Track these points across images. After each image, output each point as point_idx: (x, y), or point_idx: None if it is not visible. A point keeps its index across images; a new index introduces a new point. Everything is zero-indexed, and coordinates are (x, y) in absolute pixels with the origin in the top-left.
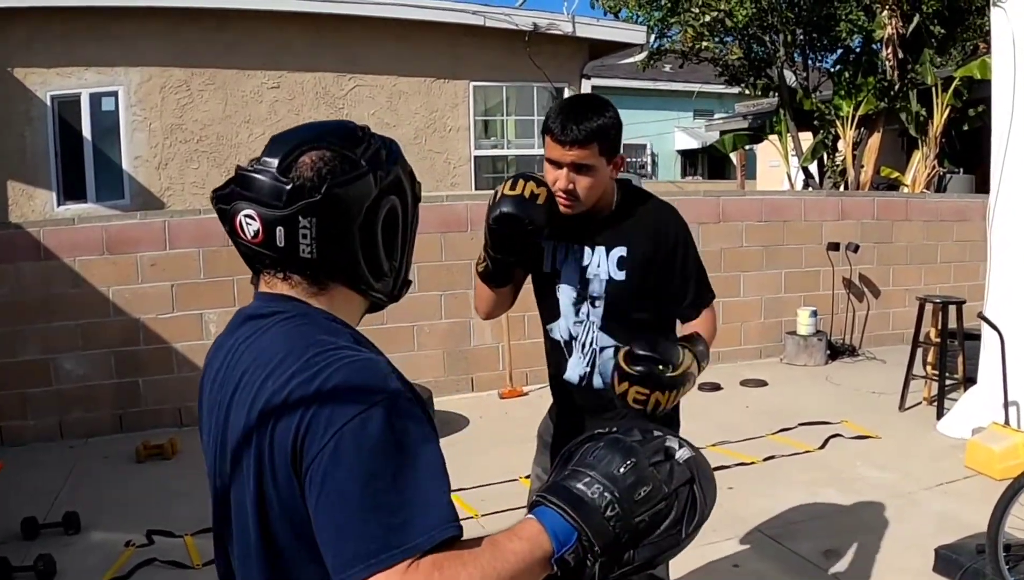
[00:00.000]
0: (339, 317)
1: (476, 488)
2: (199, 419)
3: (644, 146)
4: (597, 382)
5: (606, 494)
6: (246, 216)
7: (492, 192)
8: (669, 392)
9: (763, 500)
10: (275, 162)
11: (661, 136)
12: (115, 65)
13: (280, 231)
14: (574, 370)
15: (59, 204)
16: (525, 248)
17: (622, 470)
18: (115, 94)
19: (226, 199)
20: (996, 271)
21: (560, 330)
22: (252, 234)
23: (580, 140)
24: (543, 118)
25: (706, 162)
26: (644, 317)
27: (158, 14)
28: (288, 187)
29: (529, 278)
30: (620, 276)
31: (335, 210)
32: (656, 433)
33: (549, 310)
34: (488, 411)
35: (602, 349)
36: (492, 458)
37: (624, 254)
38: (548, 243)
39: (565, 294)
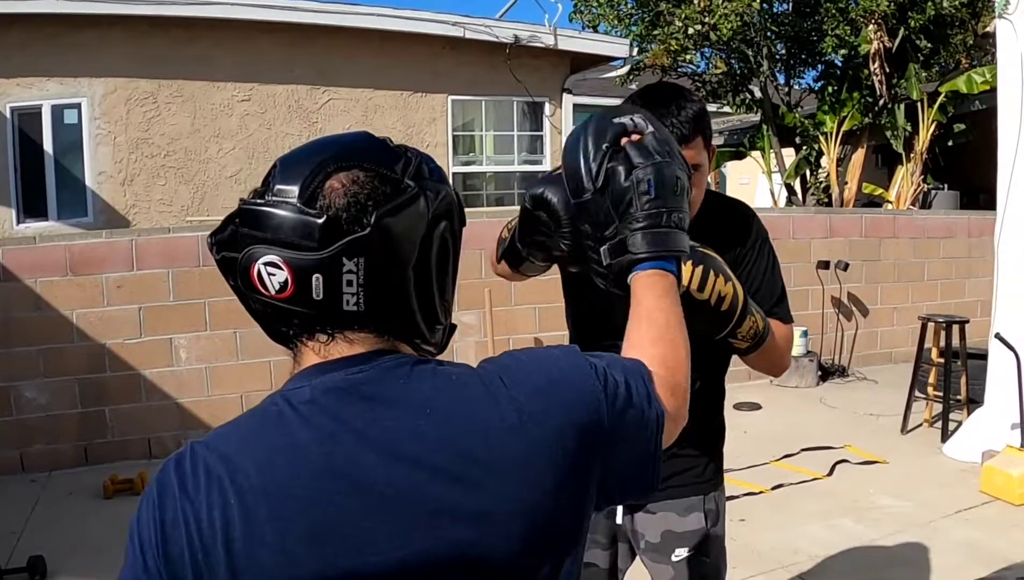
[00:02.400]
0: None
1: None
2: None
3: None
4: None
5: (674, 214)
6: (268, 265)
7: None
8: (695, 267)
9: (779, 533)
10: (294, 190)
11: None
12: (78, 76)
13: (317, 279)
14: None
15: (19, 222)
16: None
17: (677, 188)
18: (78, 106)
19: (230, 244)
20: (1004, 289)
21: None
22: (277, 287)
23: (687, 135)
24: (521, 133)
25: None
26: (717, 347)
27: (123, 23)
28: (320, 221)
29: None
30: None
31: (387, 247)
32: (624, 122)
33: (596, 326)
34: None
35: None
36: None
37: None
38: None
39: (619, 310)
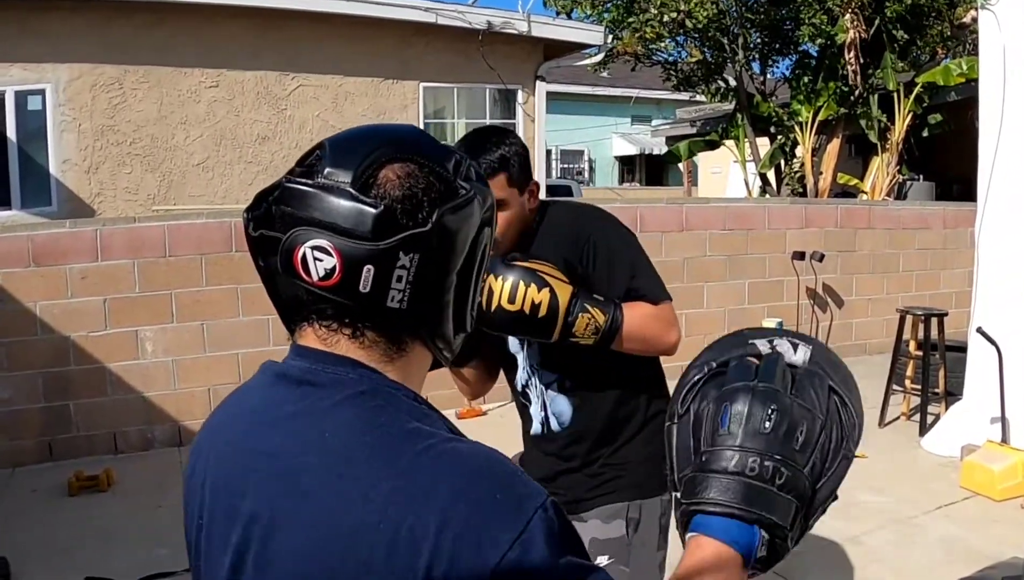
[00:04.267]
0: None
1: None
2: (193, 504)
3: (582, 152)
4: (554, 425)
5: (766, 463)
6: (316, 249)
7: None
8: (503, 282)
9: None
10: (347, 176)
11: (599, 142)
12: (42, 61)
13: (368, 271)
14: (535, 418)
15: None
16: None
17: (768, 423)
18: (42, 92)
19: (268, 222)
20: (984, 282)
21: (518, 380)
22: (323, 274)
23: (486, 173)
24: (494, 121)
25: (644, 168)
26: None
27: (88, 7)
28: (376, 210)
29: None
30: None
31: (443, 246)
32: (758, 344)
33: (508, 363)
34: None
35: (547, 386)
36: None
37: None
38: None
39: (513, 341)
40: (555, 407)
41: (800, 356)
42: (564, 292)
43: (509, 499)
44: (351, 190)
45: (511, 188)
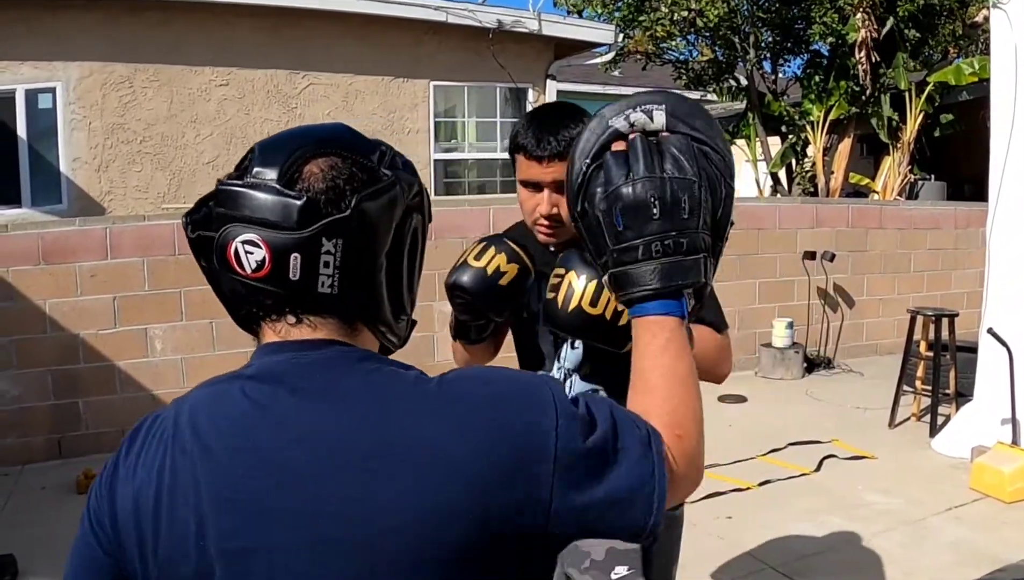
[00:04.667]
0: None
1: None
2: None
3: None
4: None
5: (667, 241)
6: (246, 242)
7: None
8: (588, 282)
9: (767, 531)
10: (273, 173)
11: None
12: (53, 60)
13: (295, 259)
14: None
15: None
16: (491, 315)
17: (655, 210)
18: (52, 91)
19: (205, 224)
20: (995, 283)
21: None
22: (254, 266)
23: (561, 153)
24: (504, 120)
25: None
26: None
27: (99, 6)
28: (299, 202)
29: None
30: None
31: (365, 231)
32: (617, 124)
33: (531, 358)
34: None
35: (588, 392)
36: None
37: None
38: (532, 284)
39: (546, 338)
40: None
41: (658, 121)
42: None
43: (530, 385)
44: (277, 186)
45: None
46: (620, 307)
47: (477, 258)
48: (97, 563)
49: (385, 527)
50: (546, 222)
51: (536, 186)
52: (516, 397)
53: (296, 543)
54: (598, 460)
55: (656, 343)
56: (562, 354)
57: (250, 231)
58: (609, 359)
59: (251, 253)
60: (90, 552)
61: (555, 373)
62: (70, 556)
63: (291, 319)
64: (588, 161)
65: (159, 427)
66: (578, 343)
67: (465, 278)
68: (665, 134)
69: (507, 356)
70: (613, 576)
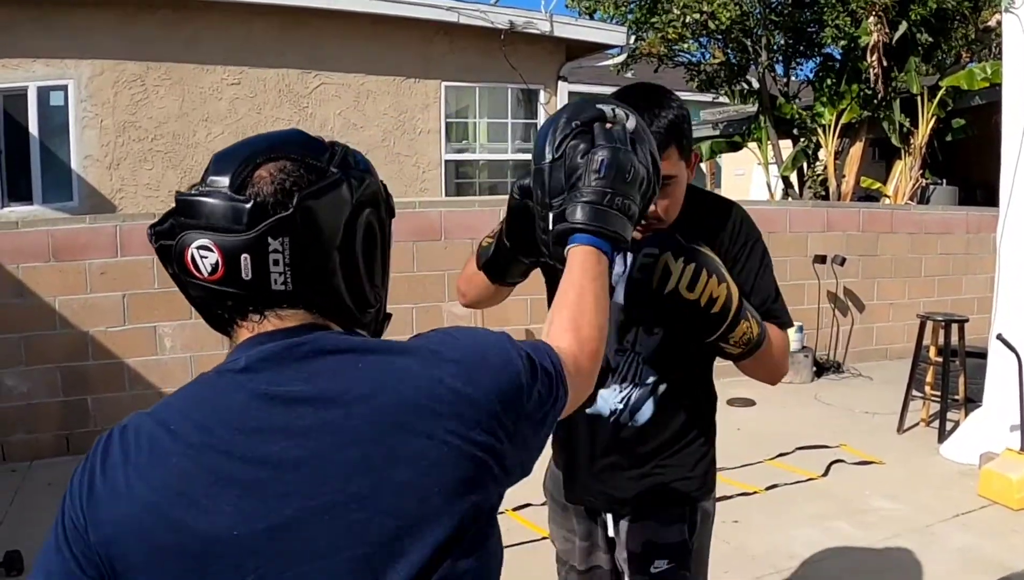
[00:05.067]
0: None
1: None
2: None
3: None
4: (625, 419)
5: (616, 198)
6: (200, 248)
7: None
8: (685, 266)
9: (773, 535)
10: (225, 181)
11: None
12: (65, 57)
13: (245, 260)
14: (606, 402)
15: (2, 206)
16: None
17: (629, 175)
18: (65, 88)
19: (168, 234)
20: (1005, 288)
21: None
22: (209, 269)
23: (659, 147)
24: (515, 121)
25: None
26: (706, 349)
27: (111, 4)
28: (248, 205)
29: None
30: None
31: (310, 227)
32: (605, 110)
33: None
34: None
35: (641, 385)
36: None
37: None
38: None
39: (612, 316)
40: (635, 404)
41: (631, 124)
42: (735, 292)
43: (495, 337)
44: (227, 192)
45: (680, 161)
46: (715, 294)
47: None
48: None
49: (400, 481)
50: (644, 220)
51: None
52: (497, 354)
53: (321, 509)
54: (539, 390)
55: (590, 267)
56: (631, 337)
57: (203, 236)
58: (683, 350)
59: (205, 257)
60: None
61: (614, 354)
62: (36, 571)
63: (255, 317)
64: (578, 124)
65: (143, 438)
66: (658, 329)
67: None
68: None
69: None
70: (653, 570)
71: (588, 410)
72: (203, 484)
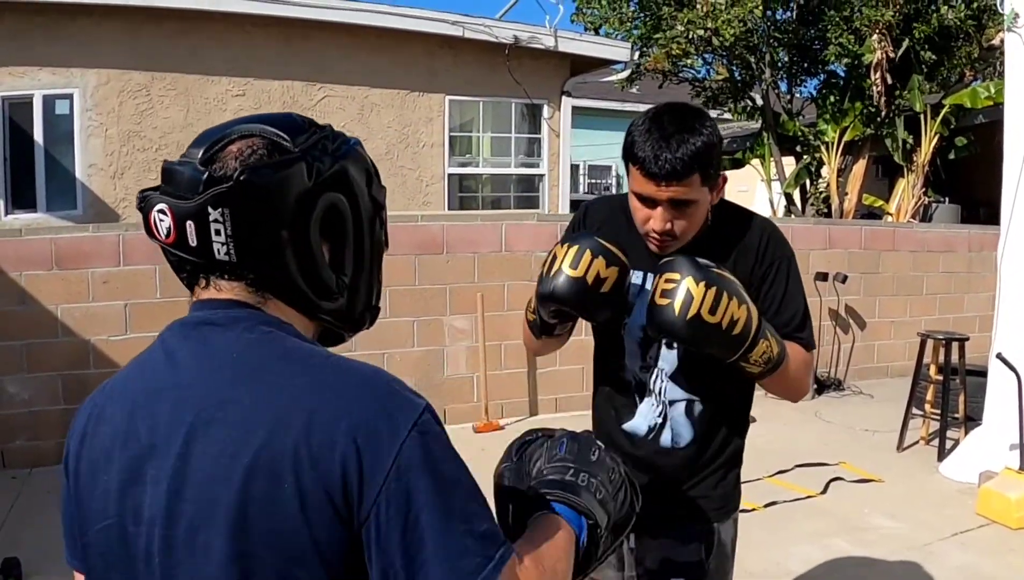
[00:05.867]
0: None
1: None
2: (74, 456)
3: (609, 168)
4: (666, 439)
5: (592, 481)
6: (159, 211)
7: (548, 254)
8: (707, 290)
9: (771, 552)
10: (198, 152)
11: None
12: (71, 66)
13: (190, 226)
14: (643, 420)
15: (7, 213)
16: (591, 320)
17: (594, 458)
18: (70, 97)
19: (149, 198)
20: (1006, 307)
21: (629, 372)
22: (165, 233)
23: (679, 173)
24: (519, 135)
25: None
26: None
27: (118, 13)
28: (204, 176)
29: None
30: None
31: (252, 201)
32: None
33: (611, 348)
34: (463, 447)
35: (671, 403)
36: None
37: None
38: (636, 273)
39: (632, 333)
40: (676, 425)
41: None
42: (755, 313)
43: (405, 392)
44: (194, 163)
45: (702, 187)
46: (736, 316)
47: (573, 266)
48: None
49: (214, 475)
50: (657, 236)
51: (650, 201)
52: (386, 392)
53: (162, 475)
54: (429, 510)
55: (563, 536)
56: (654, 353)
57: (162, 201)
58: (705, 365)
59: (162, 221)
60: None
61: (639, 370)
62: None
63: (202, 282)
64: (540, 434)
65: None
66: (677, 345)
67: (563, 290)
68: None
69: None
70: None
71: (625, 426)
72: (91, 439)
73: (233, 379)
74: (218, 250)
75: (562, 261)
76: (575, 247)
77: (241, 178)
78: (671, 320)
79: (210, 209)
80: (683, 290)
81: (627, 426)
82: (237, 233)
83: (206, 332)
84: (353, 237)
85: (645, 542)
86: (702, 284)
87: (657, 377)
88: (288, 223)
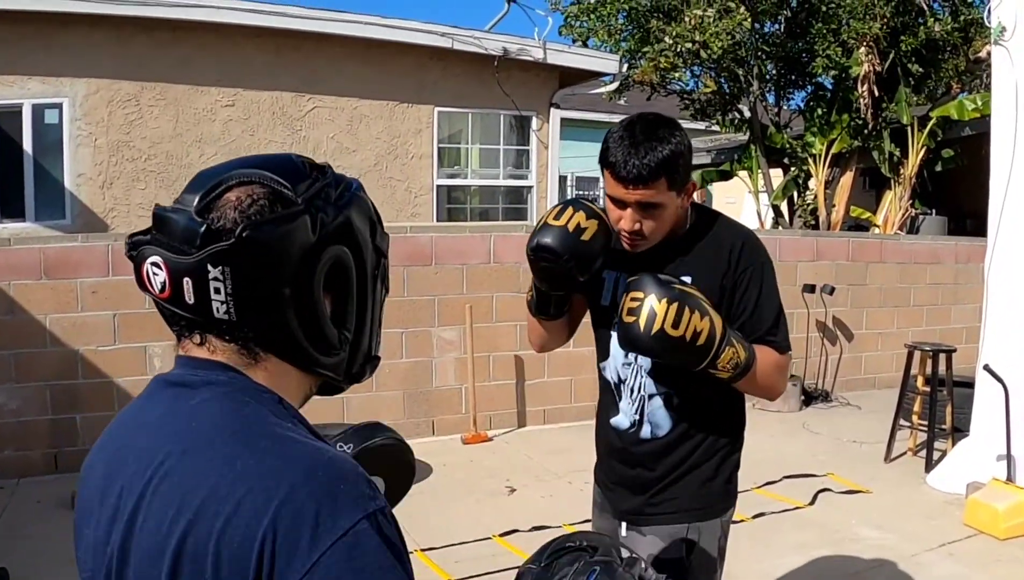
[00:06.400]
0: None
1: (447, 547)
2: (81, 510)
3: (597, 179)
4: (645, 432)
5: None
6: (152, 265)
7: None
8: (669, 306)
9: (760, 565)
10: (194, 199)
11: None
12: (61, 75)
13: (187, 283)
14: (625, 415)
15: None
16: (572, 282)
17: None
18: (59, 106)
19: (140, 245)
20: (993, 318)
21: (610, 370)
22: (159, 287)
23: (645, 177)
24: (507, 147)
25: None
26: None
27: (108, 23)
28: (202, 229)
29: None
30: None
31: (255, 260)
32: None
33: (601, 347)
34: (452, 458)
35: (650, 396)
36: (461, 512)
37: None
38: (610, 273)
39: (612, 337)
40: (654, 417)
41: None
42: (719, 322)
43: (351, 493)
44: (190, 212)
45: (669, 192)
46: (699, 328)
47: (556, 218)
48: None
49: (151, 551)
50: (627, 235)
51: (621, 203)
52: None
53: (116, 540)
54: None
55: None
56: (631, 354)
57: (157, 253)
58: (684, 372)
59: (156, 275)
60: None
61: (622, 367)
62: None
63: (196, 339)
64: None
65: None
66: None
67: (548, 238)
68: None
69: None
70: None
71: (612, 421)
72: (90, 487)
73: (183, 450)
74: (217, 309)
75: (546, 216)
76: (558, 206)
77: (243, 235)
78: (637, 336)
79: (209, 267)
80: (647, 308)
81: (613, 421)
82: (237, 291)
83: (176, 394)
84: (356, 290)
85: (634, 536)
86: (664, 301)
87: (637, 373)
88: (291, 280)
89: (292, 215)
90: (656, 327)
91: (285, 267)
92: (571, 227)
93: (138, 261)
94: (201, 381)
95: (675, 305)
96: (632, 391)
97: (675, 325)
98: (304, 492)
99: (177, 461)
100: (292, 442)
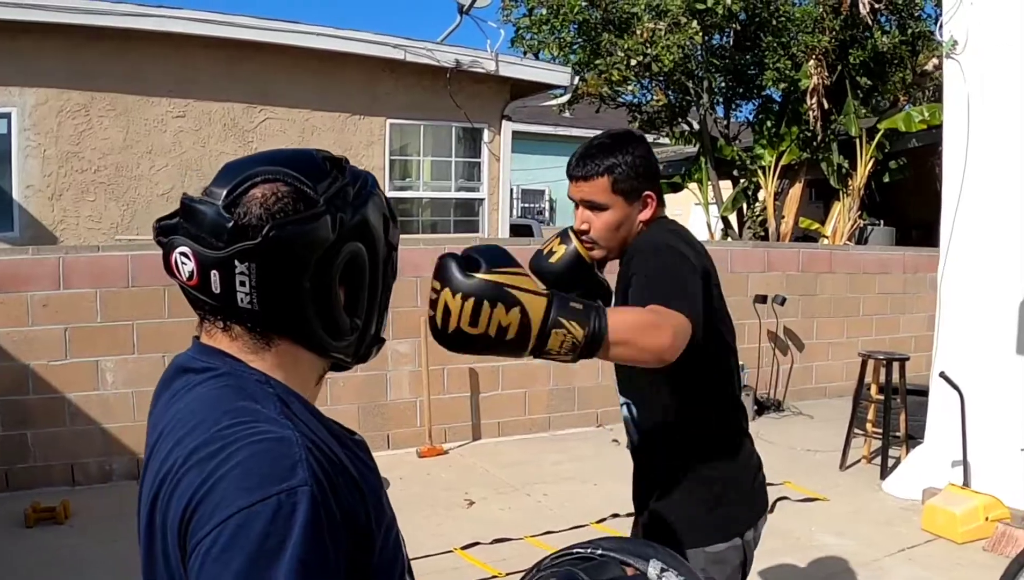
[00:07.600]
0: (279, 378)
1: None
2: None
3: (543, 192)
4: (635, 438)
5: None
6: (181, 254)
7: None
8: (464, 301)
9: None
10: (222, 193)
11: (560, 182)
12: (9, 85)
13: (215, 275)
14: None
15: None
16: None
17: None
18: (8, 116)
19: (168, 231)
20: (946, 327)
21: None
22: (187, 275)
23: (587, 173)
24: (458, 159)
25: None
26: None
27: (58, 32)
28: (230, 225)
29: None
30: None
31: (279, 257)
32: (650, 570)
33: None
34: (408, 471)
35: (623, 403)
36: (421, 525)
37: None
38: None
39: None
40: (627, 422)
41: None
42: (537, 308)
43: (261, 477)
44: (218, 205)
45: (614, 194)
46: (504, 322)
47: (543, 244)
48: None
49: (143, 519)
50: (584, 240)
51: (576, 203)
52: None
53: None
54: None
55: None
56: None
57: (187, 244)
58: (636, 376)
59: (185, 264)
60: None
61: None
62: None
63: (220, 324)
64: (602, 554)
65: None
66: None
67: (531, 258)
68: None
69: None
70: None
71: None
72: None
73: (171, 429)
74: (241, 299)
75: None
76: (470, 300)
77: (270, 234)
78: (437, 332)
79: (236, 262)
80: (442, 303)
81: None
82: (261, 284)
83: (181, 377)
84: (368, 281)
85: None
86: (458, 296)
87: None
88: (310, 275)
89: (314, 216)
90: (452, 325)
91: (306, 264)
92: (544, 250)
93: (167, 249)
94: (202, 366)
95: (471, 301)
96: (619, 395)
97: (473, 322)
98: (227, 468)
99: (165, 441)
100: (248, 424)
